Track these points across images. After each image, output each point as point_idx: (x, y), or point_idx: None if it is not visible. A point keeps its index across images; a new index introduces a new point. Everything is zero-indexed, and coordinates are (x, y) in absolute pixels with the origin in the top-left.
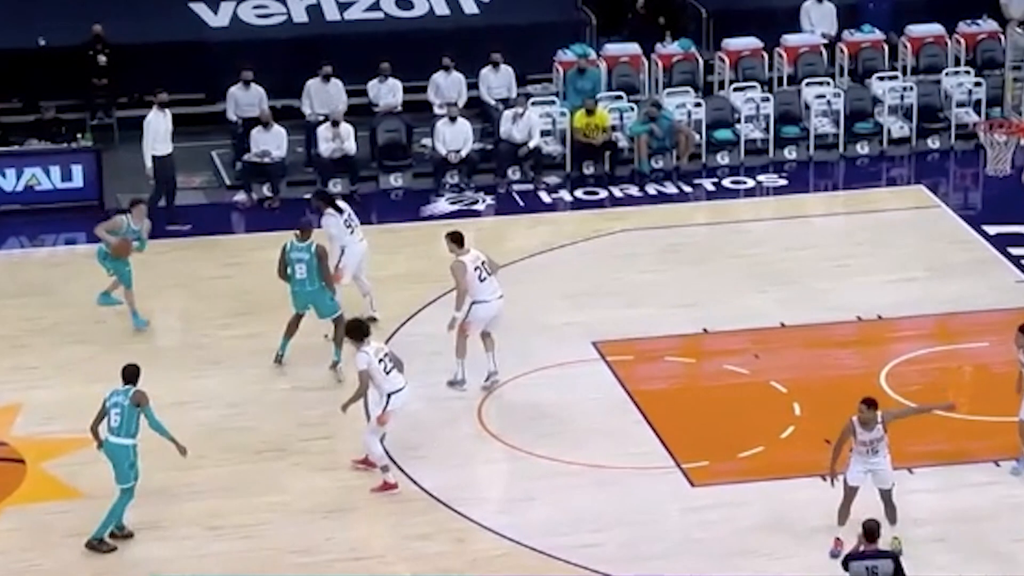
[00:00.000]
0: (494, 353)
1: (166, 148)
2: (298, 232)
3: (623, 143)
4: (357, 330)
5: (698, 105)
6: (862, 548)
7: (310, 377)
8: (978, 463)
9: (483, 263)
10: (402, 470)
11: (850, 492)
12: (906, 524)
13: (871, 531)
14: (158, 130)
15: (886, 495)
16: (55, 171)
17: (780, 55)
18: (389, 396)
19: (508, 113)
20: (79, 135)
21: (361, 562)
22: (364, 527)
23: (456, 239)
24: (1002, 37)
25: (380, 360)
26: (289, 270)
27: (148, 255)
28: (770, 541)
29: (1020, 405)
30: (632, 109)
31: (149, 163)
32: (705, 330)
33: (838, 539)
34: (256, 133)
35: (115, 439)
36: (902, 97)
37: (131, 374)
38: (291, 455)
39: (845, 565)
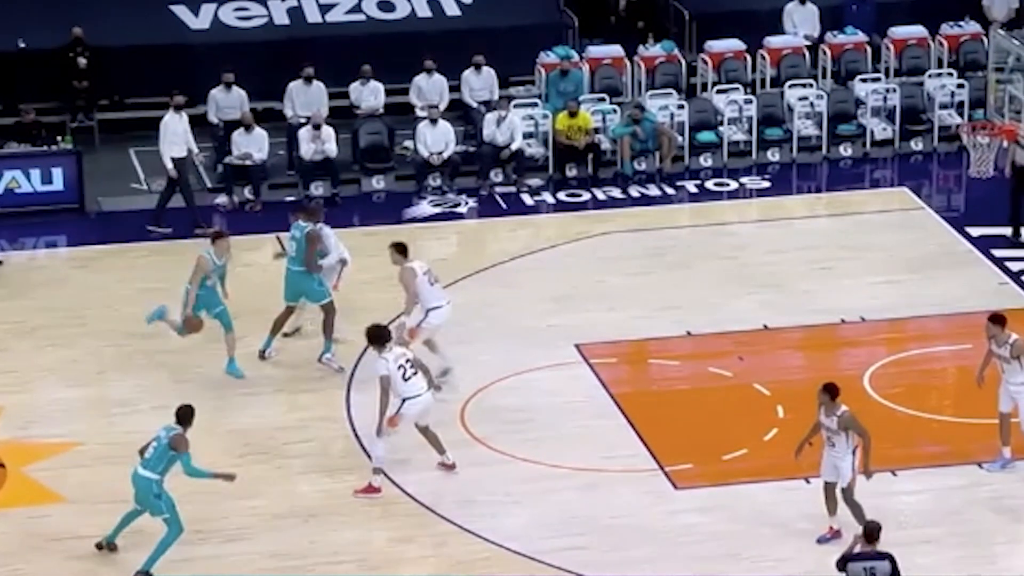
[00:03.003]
0: (440, 350)
1: (181, 150)
2: (302, 212)
3: (606, 145)
4: (378, 336)
5: (681, 107)
6: (858, 548)
7: (293, 380)
8: (962, 465)
9: (429, 270)
10: (385, 474)
11: (825, 487)
12: (891, 526)
13: (871, 532)
14: (176, 132)
15: (842, 493)
16: (35, 174)
17: (763, 57)
18: (404, 401)
19: (491, 116)
20: (59, 138)
21: (343, 566)
22: (346, 531)
23: (401, 249)
24: (985, 39)
25: (400, 367)
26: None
27: (129, 258)
28: (754, 543)
29: (999, 399)
30: (615, 111)
31: (169, 164)
32: (688, 332)
33: (831, 527)
34: (237, 136)
35: (141, 470)
36: (885, 99)
37: (183, 415)
38: (274, 459)
39: (843, 566)
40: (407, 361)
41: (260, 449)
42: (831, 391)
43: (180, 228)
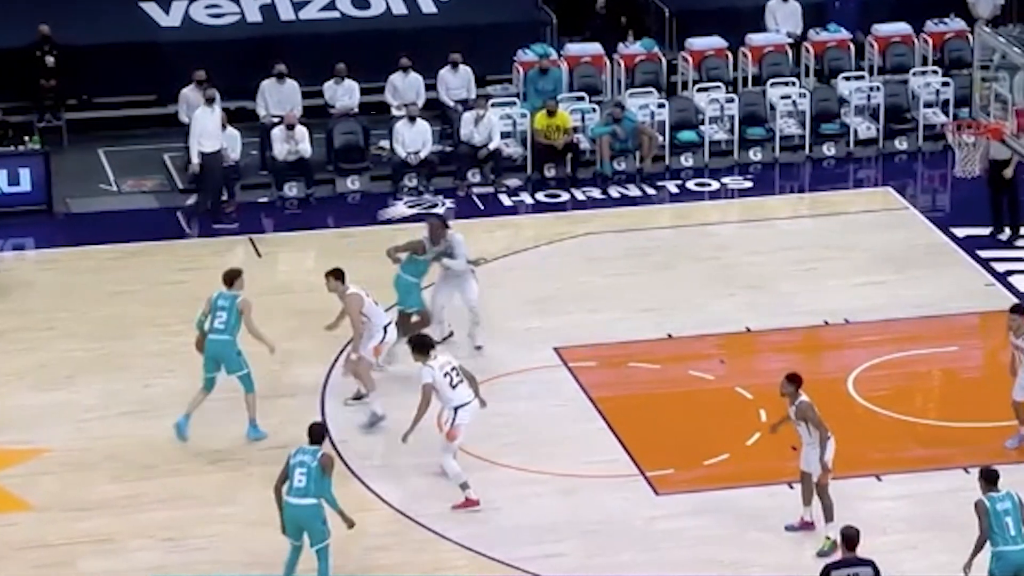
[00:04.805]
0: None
1: (214, 144)
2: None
3: (585, 145)
4: (421, 345)
5: (661, 106)
6: (837, 555)
7: (265, 385)
8: (947, 469)
9: (368, 292)
10: (362, 481)
11: (801, 476)
12: (874, 532)
13: (850, 538)
14: (206, 126)
15: (815, 487)
16: (2, 175)
17: (745, 55)
18: (456, 410)
19: (469, 115)
20: (27, 138)
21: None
22: None
23: (339, 275)
24: (970, 36)
25: (446, 374)
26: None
27: (98, 260)
28: (735, 549)
29: (1013, 385)
30: (594, 110)
31: (196, 159)
32: (669, 335)
33: (802, 518)
34: None
35: (301, 500)
36: (869, 97)
37: (318, 434)
38: (247, 465)
39: (826, 574)
40: (452, 369)
41: (233, 455)
42: (795, 381)
43: (152, 229)
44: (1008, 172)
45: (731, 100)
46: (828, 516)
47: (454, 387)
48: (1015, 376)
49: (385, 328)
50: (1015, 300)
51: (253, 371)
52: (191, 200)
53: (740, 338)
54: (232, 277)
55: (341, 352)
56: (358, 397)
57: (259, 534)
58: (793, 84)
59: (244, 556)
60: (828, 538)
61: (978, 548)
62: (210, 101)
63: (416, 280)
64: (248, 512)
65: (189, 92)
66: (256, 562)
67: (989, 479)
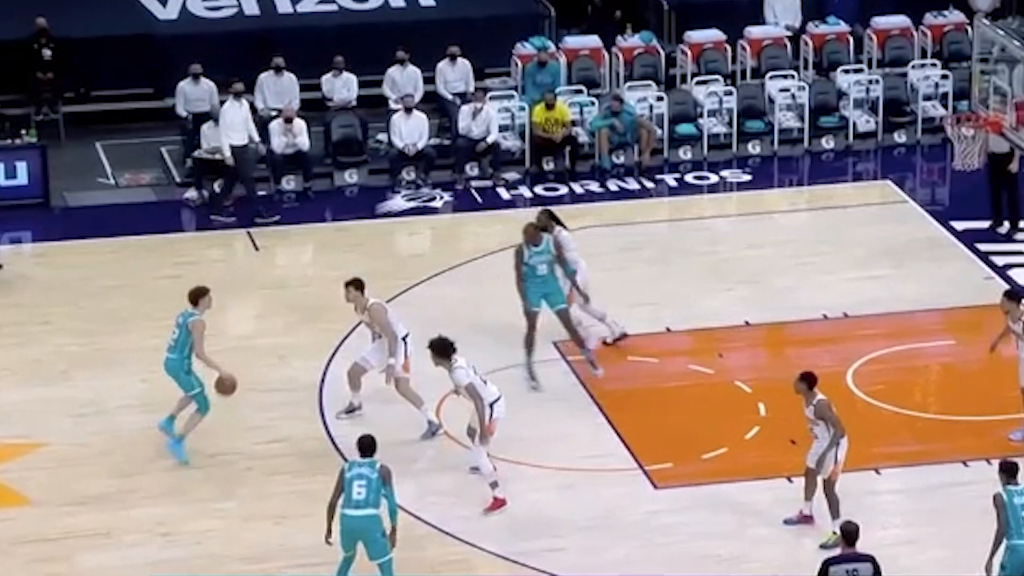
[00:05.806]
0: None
1: (242, 138)
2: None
3: (583, 138)
4: (444, 348)
5: (660, 99)
6: (838, 551)
7: (262, 380)
8: (945, 463)
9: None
10: None
11: (806, 472)
12: (873, 527)
13: (850, 534)
14: (233, 120)
15: (823, 484)
16: None
17: (743, 48)
18: (491, 405)
19: (467, 109)
20: (24, 131)
21: (315, 568)
22: (317, 533)
23: (359, 286)
24: (969, 29)
25: (475, 372)
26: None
27: (94, 255)
28: (734, 543)
29: (1019, 372)
30: (593, 103)
31: (227, 151)
32: (668, 329)
33: (801, 512)
34: (207, 128)
35: (361, 512)
36: (868, 90)
37: (370, 446)
38: (242, 459)
39: (824, 570)
40: (474, 367)
41: (229, 450)
42: (808, 380)
43: (148, 223)
44: (1014, 167)
45: (730, 93)
46: (835, 513)
47: (485, 383)
48: (992, 350)
49: (404, 339)
50: None
51: (244, 371)
52: (189, 193)
53: (739, 332)
54: (197, 296)
55: (338, 348)
56: (350, 411)
57: (255, 529)
58: (792, 77)
59: (240, 551)
60: (835, 533)
61: (997, 544)
62: (237, 95)
63: (530, 281)
64: (244, 507)
65: (186, 85)
66: (252, 557)
67: (1009, 472)
